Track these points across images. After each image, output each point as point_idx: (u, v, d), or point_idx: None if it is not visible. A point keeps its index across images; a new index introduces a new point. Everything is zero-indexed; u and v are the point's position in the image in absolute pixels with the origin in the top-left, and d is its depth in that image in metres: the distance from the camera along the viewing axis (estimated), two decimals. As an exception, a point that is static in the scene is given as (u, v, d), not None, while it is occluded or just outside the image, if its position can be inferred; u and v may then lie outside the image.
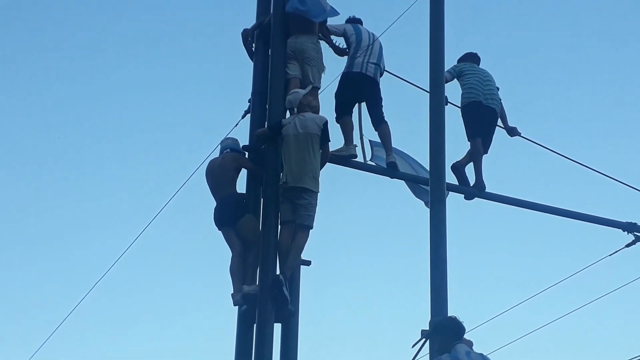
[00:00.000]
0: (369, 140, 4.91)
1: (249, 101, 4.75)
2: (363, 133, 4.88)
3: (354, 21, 4.99)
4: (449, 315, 3.43)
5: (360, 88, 4.75)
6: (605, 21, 15.46)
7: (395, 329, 10.38)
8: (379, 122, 4.77)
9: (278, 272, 3.99)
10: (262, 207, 4.28)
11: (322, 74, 4.76)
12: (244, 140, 4.63)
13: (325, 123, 4.29)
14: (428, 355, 3.46)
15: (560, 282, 5.64)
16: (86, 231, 13.98)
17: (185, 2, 17.46)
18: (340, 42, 4.91)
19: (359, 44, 4.78)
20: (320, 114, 4.39)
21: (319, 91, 4.69)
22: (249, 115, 4.73)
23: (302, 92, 4.36)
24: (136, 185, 14.83)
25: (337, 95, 4.78)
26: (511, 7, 14.89)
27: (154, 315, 13.38)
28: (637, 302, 9.48)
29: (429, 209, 4.17)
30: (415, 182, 4.87)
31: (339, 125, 4.67)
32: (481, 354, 3.18)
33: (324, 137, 4.24)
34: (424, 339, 3.48)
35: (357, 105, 4.84)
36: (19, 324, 13.42)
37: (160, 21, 15.72)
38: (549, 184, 11.18)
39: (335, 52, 4.95)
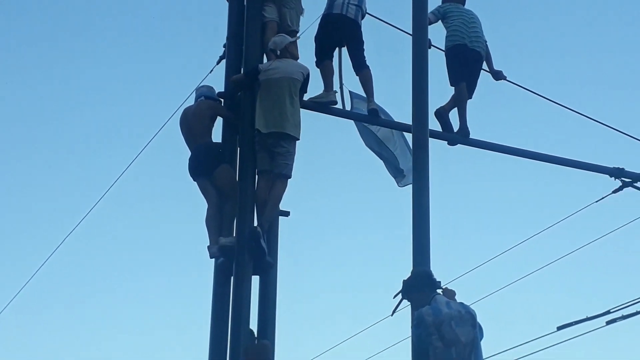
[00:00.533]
0: (349, 91, 4.76)
1: (224, 46, 4.53)
2: (343, 82, 4.74)
3: None
4: (423, 269, 3.38)
5: (341, 30, 4.53)
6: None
7: (376, 280, 10.39)
8: (360, 67, 4.58)
9: (255, 223, 3.91)
10: (239, 156, 4.15)
11: (301, 17, 4.56)
12: (219, 87, 4.44)
13: (309, 74, 4.21)
14: (410, 305, 3.42)
15: (547, 228, 5.62)
16: (59, 179, 13.74)
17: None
18: None
19: None
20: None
21: (298, 34, 4.48)
22: (224, 61, 4.52)
23: (289, 38, 4.23)
24: (109, 135, 14.20)
25: (317, 38, 4.57)
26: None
27: (128, 269, 13.35)
28: (625, 249, 9.64)
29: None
30: (397, 129, 4.73)
31: (318, 70, 4.48)
32: (461, 303, 3.14)
33: (303, 87, 4.15)
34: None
35: (337, 50, 4.66)
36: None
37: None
38: (535, 129, 11.05)
39: None
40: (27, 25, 14.56)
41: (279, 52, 4.15)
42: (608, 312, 4.51)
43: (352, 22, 4.53)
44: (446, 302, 3.06)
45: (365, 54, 4.62)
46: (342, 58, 4.71)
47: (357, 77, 4.60)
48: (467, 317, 3.04)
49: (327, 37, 4.54)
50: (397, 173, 4.99)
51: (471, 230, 12.20)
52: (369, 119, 4.60)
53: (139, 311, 12.95)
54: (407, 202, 3.73)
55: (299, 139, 4.05)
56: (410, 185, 3.83)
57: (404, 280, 3.35)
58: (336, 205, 11.83)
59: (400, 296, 3.38)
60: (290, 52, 4.20)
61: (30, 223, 13.99)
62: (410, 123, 4.02)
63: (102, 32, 14.58)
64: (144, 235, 12.95)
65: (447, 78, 4.85)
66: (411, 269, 3.43)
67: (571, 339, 4.97)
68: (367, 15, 4.74)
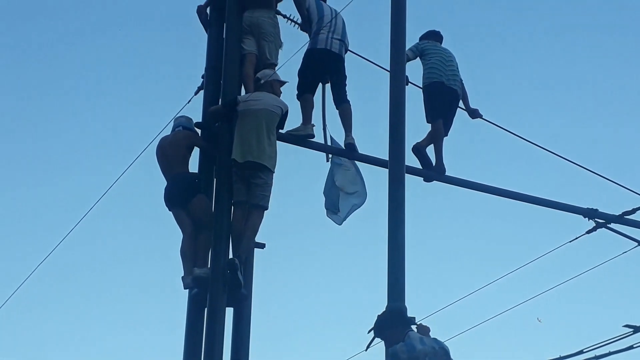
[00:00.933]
0: (331, 136, 4.82)
1: (202, 77, 4.58)
2: (326, 121, 4.81)
3: None
4: (397, 305, 3.39)
5: (325, 65, 4.63)
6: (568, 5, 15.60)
7: (351, 315, 10.29)
8: (341, 101, 4.66)
9: (231, 255, 3.88)
10: (215, 187, 4.15)
11: (280, 50, 4.65)
12: (197, 117, 4.46)
13: (287, 110, 4.28)
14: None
15: (520, 267, 5.63)
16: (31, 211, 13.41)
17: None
18: (295, 17, 4.79)
19: (321, 20, 4.66)
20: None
21: (276, 68, 4.57)
22: (202, 92, 4.55)
23: (279, 77, 4.44)
24: (84, 165, 14.03)
25: (301, 72, 4.65)
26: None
27: (100, 298, 13.02)
28: (598, 289, 9.72)
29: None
30: (374, 164, 4.76)
31: (298, 104, 4.55)
32: (435, 339, 3.17)
33: (281, 122, 4.23)
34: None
35: (321, 85, 4.75)
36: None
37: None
38: (511, 167, 11.31)
39: (301, 29, 4.81)
40: None
41: (262, 82, 4.24)
42: (581, 352, 4.53)
43: (336, 56, 4.63)
44: (420, 339, 3.06)
45: (346, 89, 4.72)
46: (325, 95, 4.79)
47: (337, 111, 4.67)
48: (441, 353, 3.06)
49: (311, 71, 4.61)
50: (331, 208, 4.95)
51: (446, 266, 12.21)
52: (346, 152, 4.64)
53: (110, 339, 12.61)
54: (382, 237, 3.75)
55: (273, 172, 4.08)
56: (387, 220, 3.85)
57: (378, 316, 3.35)
58: (312, 238, 11.71)
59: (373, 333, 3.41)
60: (274, 88, 4.30)
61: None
62: (387, 159, 4.09)
63: (80, 60, 14.52)
64: (118, 265, 12.67)
65: (424, 114, 4.96)
66: (386, 303, 3.43)
67: (545, 378, 4.94)
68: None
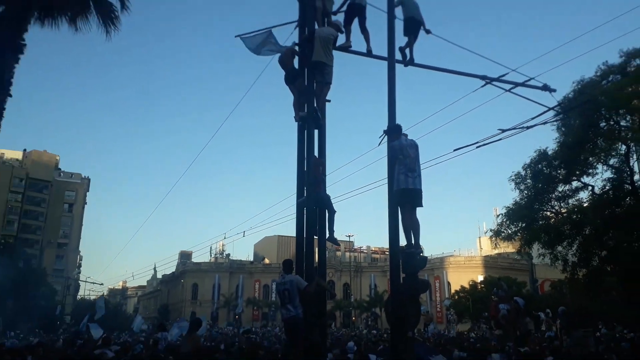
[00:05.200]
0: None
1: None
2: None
3: None
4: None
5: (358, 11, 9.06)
6: None
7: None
8: (363, 30, 9.13)
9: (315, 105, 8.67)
10: (307, 78, 8.84)
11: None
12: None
13: (337, 36, 8.84)
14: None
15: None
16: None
17: None
18: None
19: None
20: None
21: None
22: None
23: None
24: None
25: (345, 21, 9.16)
26: None
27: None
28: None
29: None
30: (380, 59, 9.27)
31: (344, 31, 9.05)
32: (411, 139, 7.91)
33: (334, 42, 8.76)
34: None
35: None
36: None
37: None
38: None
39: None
40: None
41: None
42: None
43: (361, 7, 8.96)
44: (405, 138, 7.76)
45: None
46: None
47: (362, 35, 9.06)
48: (414, 143, 7.66)
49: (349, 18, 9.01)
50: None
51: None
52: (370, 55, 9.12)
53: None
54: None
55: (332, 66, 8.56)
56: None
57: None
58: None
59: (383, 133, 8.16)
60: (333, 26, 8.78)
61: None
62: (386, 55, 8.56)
63: None
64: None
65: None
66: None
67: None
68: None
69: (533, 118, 8.69)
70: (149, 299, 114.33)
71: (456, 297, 55.61)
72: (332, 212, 8.09)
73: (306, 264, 7.65)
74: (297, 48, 8.85)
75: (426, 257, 7.52)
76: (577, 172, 24.26)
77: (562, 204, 25.51)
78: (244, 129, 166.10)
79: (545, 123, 8.98)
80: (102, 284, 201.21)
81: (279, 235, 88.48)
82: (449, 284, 69.79)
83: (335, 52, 8.64)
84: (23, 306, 46.13)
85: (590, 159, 23.46)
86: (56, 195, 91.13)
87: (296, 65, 8.81)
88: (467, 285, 55.41)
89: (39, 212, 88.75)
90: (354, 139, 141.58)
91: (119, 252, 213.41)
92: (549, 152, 24.57)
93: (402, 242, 7.21)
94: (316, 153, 8.34)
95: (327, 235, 8.02)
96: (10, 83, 11.08)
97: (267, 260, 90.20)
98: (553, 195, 25.36)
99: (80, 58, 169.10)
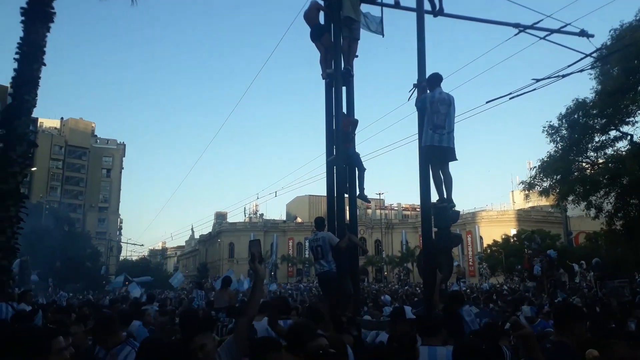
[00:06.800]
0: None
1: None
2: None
3: None
4: None
5: None
6: None
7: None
8: None
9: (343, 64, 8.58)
10: (333, 31, 8.73)
11: None
12: None
13: None
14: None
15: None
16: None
17: None
18: None
19: None
20: None
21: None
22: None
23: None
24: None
25: None
26: None
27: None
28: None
29: None
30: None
31: None
32: (447, 93, 7.78)
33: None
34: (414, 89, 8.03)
35: None
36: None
37: None
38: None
39: None
40: None
41: None
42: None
43: None
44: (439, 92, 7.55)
45: None
46: None
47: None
48: (447, 98, 7.51)
49: None
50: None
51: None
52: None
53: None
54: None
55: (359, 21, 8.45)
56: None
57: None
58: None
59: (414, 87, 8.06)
60: None
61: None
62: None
63: None
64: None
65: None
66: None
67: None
68: None
69: (569, 65, 8.40)
70: (188, 258, 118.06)
71: (488, 251, 55.40)
72: (362, 170, 8.15)
73: (337, 221, 7.78)
74: (322, 2, 8.72)
75: (458, 211, 7.52)
76: (617, 121, 23.42)
77: (598, 154, 24.79)
78: (274, 87, 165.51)
79: (582, 71, 8.69)
80: (142, 245, 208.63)
81: (310, 195, 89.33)
82: (481, 238, 69.45)
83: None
84: (71, 267, 48.43)
85: (631, 106, 22.56)
86: (94, 161, 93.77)
87: (321, 20, 8.68)
88: (499, 240, 55.04)
89: (79, 178, 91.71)
90: (384, 95, 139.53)
91: (157, 214, 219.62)
92: (587, 101, 23.73)
93: (434, 197, 7.23)
94: (345, 110, 8.33)
95: (358, 192, 8.10)
96: (43, 52, 11.27)
97: (299, 219, 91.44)
98: (590, 146, 24.63)
99: (108, 28, 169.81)
